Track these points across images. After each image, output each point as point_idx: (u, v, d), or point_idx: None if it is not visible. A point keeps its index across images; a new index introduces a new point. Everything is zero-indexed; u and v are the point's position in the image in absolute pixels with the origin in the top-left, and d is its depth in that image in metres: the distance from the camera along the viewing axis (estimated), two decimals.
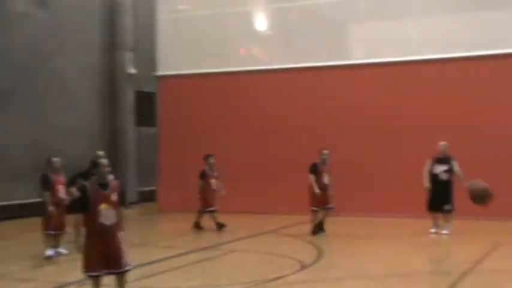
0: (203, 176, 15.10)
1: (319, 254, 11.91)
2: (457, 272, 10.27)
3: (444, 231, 13.97)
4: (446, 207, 13.89)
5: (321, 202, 14.00)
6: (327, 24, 18.52)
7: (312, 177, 13.96)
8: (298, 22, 18.50)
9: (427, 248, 13.05)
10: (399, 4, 17.50)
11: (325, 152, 14.18)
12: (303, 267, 10.73)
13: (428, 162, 14.00)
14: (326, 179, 14.10)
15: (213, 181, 15.09)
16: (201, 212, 15.19)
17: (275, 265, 11.06)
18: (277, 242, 14.01)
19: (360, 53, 18.43)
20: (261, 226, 15.72)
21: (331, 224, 14.24)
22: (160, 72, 20.07)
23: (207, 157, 15.24)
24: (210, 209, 15.02)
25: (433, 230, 14.06)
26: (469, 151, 15.41)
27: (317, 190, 13.83)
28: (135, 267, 8.66)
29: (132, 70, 21.40)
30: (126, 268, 7.88)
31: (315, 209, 14.08)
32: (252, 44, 19.76)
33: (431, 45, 16.84)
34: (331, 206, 14.08)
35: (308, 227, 14.20)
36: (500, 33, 16.25)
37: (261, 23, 19.53)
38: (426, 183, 13.90)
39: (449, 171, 13.90)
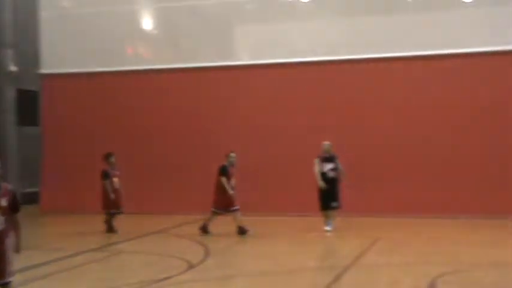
0: (106, 175, 14.81)
1: (207, 254, 12.03)
2: (339, 267, 10.68)
3: (328, 228, 14.44)
4: (334, 204, 14.42)
5: (227, 205, 14.12)
6: (214, 25, 18.68)
7: (224, 180, 14.05)
8: (184, 22, 18.54)
9: (312, 245, 13.43)
10: (284, 7, 17.91)
11: (232, 154, 14.35)
12: (190, 267, 10.81)
13: (316, 162, 14.46)
14: (233, 182, 14.28)
15: (115, 180, 14.87)
16: (109, 214, 14.85)
17: (162, 265, 11.10)
18: (165, 242, 14.03)
19: (246, 54, 18.70)
20: (150, 226, 15.67)
21: (223, 223, 14.38)
22: (44, 70, 19.53)
23: (107, 156, 14.96)
24: (114, 211, 14.78)
25: (327, 228, 14.47)
26: (351, 149, 16.05)
27: (231, 191, 14.01)
28: (18, 271, 8.45)
29: (13, 67, 20.72)
30: (10, 279, 7.58)
31: (216, 210, 14.20)
32: (139, 43, 19.63)
33: (315, 47, 17.36)
34: (236, 207, 14.17)
35: (196, 227, 14.32)
36: (381, 37, 16.94)
37: (147, 22, 19.43)
38: (320, 182, 14.32)
39: (335, 169, 14.46)
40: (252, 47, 18.48)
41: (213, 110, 18.01)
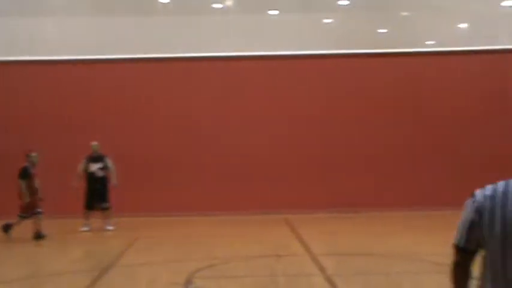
0: None
1: None
2: (98, 269, 10.68)
3: (109, 227, 14.62)
4: (105, 204, 14.58)
5: (31, 208, 13.47)
6: None
7: (22, 183, 13.36)
8: None
9: (72, 246, 13.28)
10: (37, 2, 17.39)
11: (33, 154, 13.68)
12: None
13: (83, 162, 14.60)
14: (37, 183, 13.62)
15: None
16: None
17: None
18: None
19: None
20: None
21: None
22: None
23: None
24: None
25: (85, 229, 14.49)
26: (117, 148, 16.02)
27: (27, 199, 13.37)
28: None
29: None
30: None
31: (23, 215, 13.52)
32: None
33: (69, 45, 17.05)
34: (39, 210, 13.57)
35: None
36: (133, 38, 17.14)
37: None
38: (75, 182, 14.37)
39: (104, 168, 14.62)
40: (8, 41, 17.58)
41: None
